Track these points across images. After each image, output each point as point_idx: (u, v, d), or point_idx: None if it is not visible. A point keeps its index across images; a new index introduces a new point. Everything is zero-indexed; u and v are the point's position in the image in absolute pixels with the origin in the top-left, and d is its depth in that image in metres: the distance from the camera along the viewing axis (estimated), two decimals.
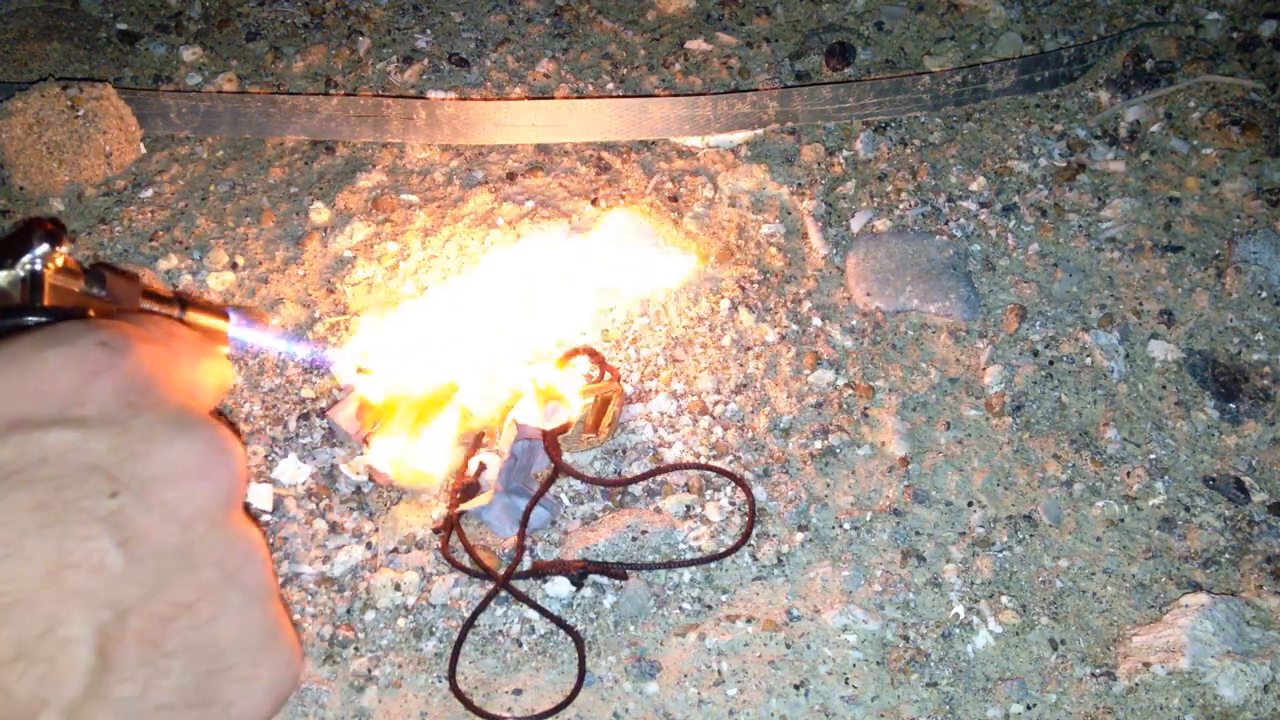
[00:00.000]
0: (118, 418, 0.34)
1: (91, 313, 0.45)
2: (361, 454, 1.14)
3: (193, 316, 0.56)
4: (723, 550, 1.09)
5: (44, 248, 0.44)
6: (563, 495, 1.14)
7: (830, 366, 1.25)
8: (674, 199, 1.41)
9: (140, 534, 0.33)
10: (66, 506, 0.32)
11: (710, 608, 1.06)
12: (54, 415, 0.34)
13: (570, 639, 1.03)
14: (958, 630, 1.05)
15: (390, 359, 1.14)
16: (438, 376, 1.15)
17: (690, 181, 1.43)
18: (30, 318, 0.43)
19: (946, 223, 1.39)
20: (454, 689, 1.00)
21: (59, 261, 0.45)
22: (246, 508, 0.39)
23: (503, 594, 1.06)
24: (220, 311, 0.60)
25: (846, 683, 1.01)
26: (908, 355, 1.27)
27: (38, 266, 0.44)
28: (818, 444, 1.18)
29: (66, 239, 0.49)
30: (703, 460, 1.16)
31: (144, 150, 1.46)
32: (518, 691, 1.00)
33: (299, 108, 1.47)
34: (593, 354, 1.23)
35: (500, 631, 1.04)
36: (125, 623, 0.33)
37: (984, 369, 1.26)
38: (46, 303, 0.44)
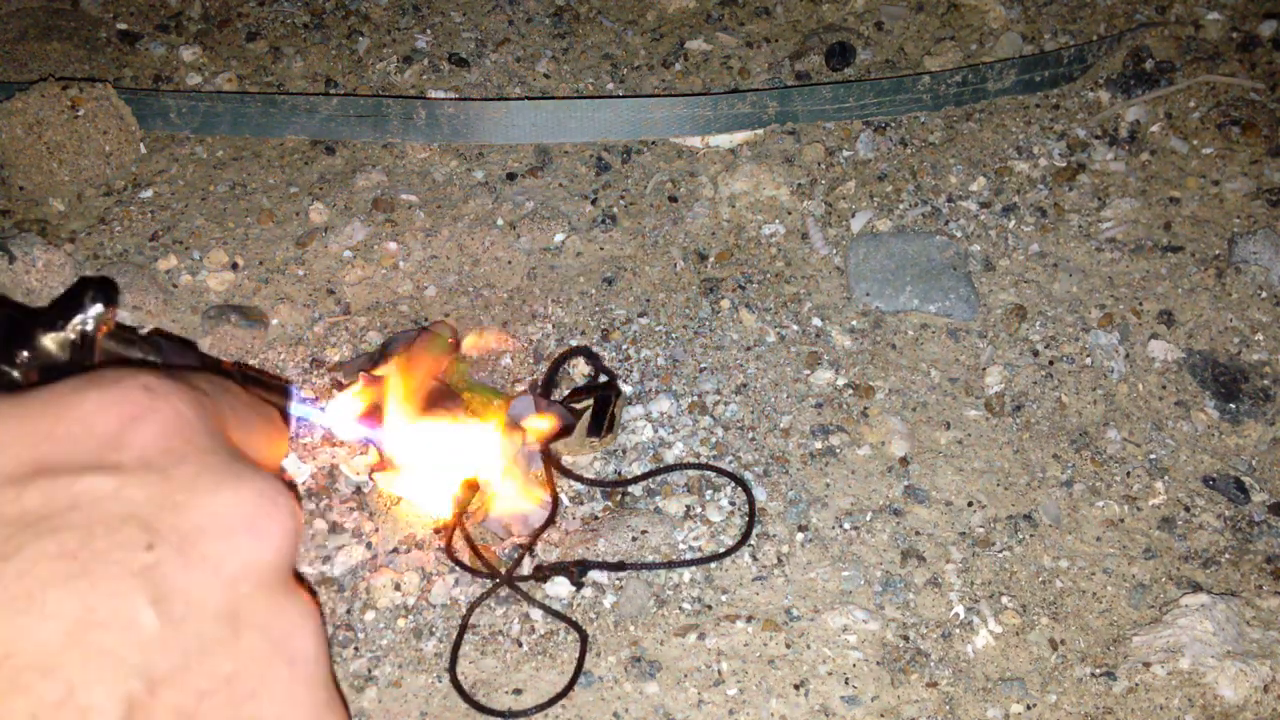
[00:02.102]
0: (158, 464, 0.32)
1: None
2: (362, 454, 1.15)
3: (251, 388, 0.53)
4: (723, 550, 1.09)
5: (97, 309, 0.41)
6: (563, 495, 1.14)
7: (830, 366, 1.24)
8: (673, 199, 1.41)
9: (178, 592, 0.30)
10: (96, 558, 0.29)
11: (710, 608, 1.06)
12: (88, 460, 0.31)
13: (571, 636, 1.03)
14: (958, 630, 1.05)
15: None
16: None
17: (690, 181, 1.43)
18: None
19: (946, 223, 1.39)
20: (454, 682, 1.00)
21: (111, 324, 0.42)
22: (298, 575, 0.35)
23: (504, 593, 1.06)
24: (281, 387, 0.55)
25: (846, 683, 1.01)
26: (907, 355, 1.27)
27: (89, 327, 0.41)
28: (818, 444, 1.18)
29: (118, 303, 0.47)
30: (703, 460, 1.16)
31: (144, 150, 1.46)
32: (518, 691, 1.00)
33: (299, 108, 1.47)
34: (590, 356, 1.23)
35: (500, 631, 1.04)
36: (156, 695, 0.29)
37: (984, 369, 1.26)
38: (98, 364, 0.41)
